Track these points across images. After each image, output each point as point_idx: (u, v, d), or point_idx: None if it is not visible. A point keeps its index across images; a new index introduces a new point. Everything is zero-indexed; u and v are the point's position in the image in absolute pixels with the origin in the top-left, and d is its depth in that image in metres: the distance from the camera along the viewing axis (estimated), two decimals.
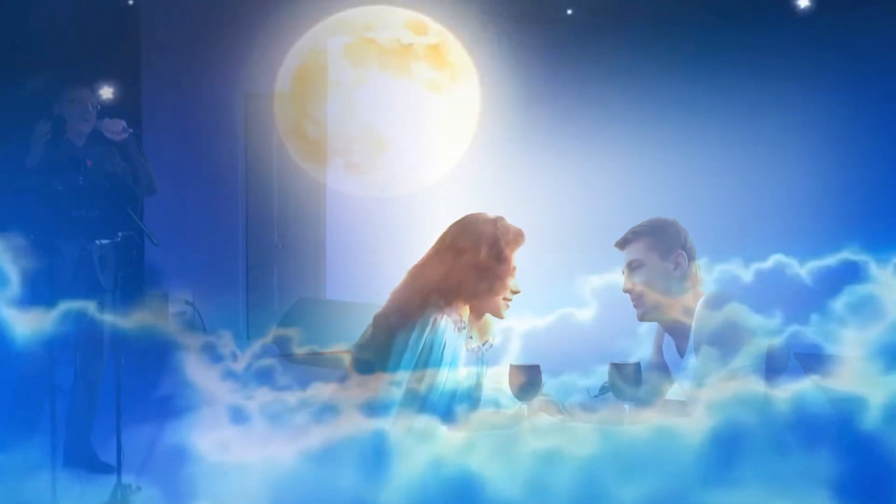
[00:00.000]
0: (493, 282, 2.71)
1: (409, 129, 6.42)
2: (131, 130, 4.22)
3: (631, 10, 5.61)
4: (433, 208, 6.23)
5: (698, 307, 2.70)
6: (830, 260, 2.46)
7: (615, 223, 2.92)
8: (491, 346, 2.86)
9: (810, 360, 2.25)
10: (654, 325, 2.89)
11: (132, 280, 4.37)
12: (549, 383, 2.71)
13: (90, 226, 4.12)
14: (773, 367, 2.50)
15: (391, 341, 2.63)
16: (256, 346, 2.82)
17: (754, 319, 2.46)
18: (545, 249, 3.75)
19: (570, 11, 5.95)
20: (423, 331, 2.62)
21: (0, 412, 4.18)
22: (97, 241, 4.12)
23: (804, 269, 2.48)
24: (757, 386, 2.32)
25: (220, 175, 7.14)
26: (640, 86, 5.55)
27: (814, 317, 2.28)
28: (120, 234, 4.07)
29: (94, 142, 4.21)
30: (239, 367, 2.65)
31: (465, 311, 2.74)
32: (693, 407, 2.47)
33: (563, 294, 2.95)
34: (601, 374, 2.68)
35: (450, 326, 2.66)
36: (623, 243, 2.84)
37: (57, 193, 4.00)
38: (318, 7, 6.14)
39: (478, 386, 2.77)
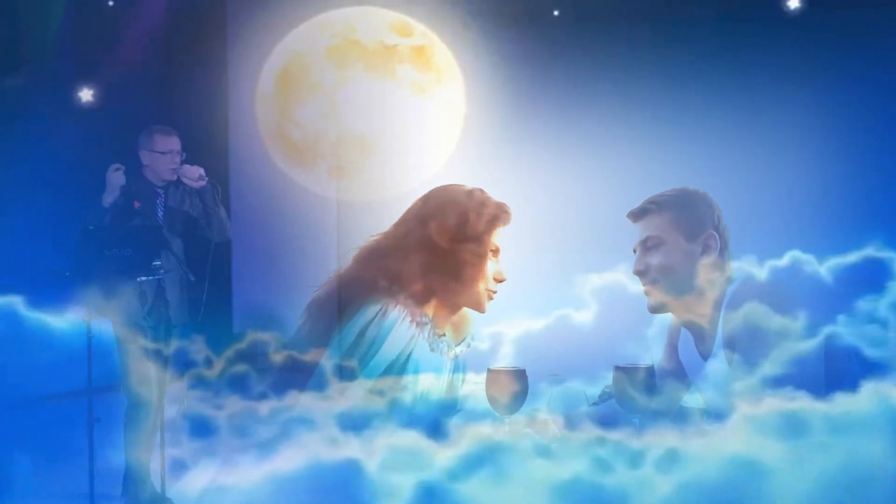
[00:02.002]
0: (463, 265, 2.14)
1: (395, 132, 6.33)
2: (207, 178, 4.37)
3: (619, 11, 5.58)
4: None
5: (727, 301, 2.21)
6: (853, 257, 2.26)
7: (610, 222, 2.66)
8: (469, 346, 2.31)
9: (870, 364, 1.97)
10: (667, 320, 2.42)
11: (206, 318, 4.48)
12: (545, 391, 2.28)
13: (127, 264, 4.15)
14: (833, 372, 2.01)
15: (327, 334, 2.10)
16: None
17: (793, 318, 2.00)
18: (538, 249, 3.62)
19: (556, 12, 5.92)
20: (365, 321, 2.07)
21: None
22: (139, 278, 4.15)
23: (824, 267, 2.27)
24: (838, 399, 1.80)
25: (312, 215, 7.05)
26: (630, 86, 5.54)
27: (843, 317, 2.06)
28: (163, 270, 4.14)
29: (174, 184, 4.38)
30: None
31: (431, 301, 2.18)
32: (718, 419, 1.99)
33: (560, 294, 2.73)
34: (604, 381, 2.28)
35: (403, 319, 2.12)
36: (639, 214, 2.31)
37: (88, 233, 4.11)
38: (302, 9, 6.05)
39: (453, 398, 2.26)
